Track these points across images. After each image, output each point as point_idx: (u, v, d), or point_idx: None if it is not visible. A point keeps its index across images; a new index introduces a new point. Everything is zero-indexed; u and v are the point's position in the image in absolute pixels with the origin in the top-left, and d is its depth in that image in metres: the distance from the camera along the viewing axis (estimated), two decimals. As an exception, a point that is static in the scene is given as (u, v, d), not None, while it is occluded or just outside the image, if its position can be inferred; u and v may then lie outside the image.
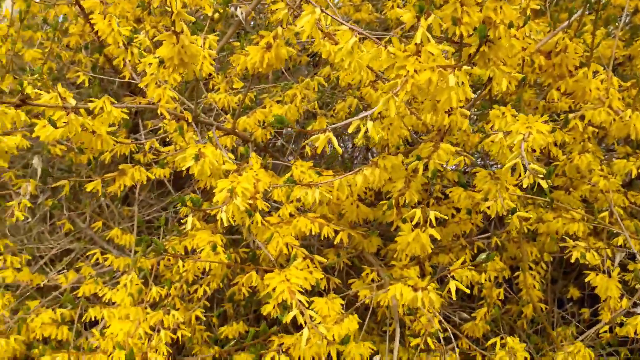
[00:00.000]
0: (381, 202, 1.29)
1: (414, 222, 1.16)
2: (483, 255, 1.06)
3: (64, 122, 1.15)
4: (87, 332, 1.65)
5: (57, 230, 1.94)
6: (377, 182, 1.22)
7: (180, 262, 1.41)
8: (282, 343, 1.22)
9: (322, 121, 1.61)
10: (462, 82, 0.92)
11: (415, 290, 1.12)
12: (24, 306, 1.54)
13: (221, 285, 1.50)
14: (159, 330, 1.36)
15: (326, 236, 1.31)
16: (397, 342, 1.21)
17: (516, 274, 1.50)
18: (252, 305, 1.59)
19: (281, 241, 1.28)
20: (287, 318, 1.05)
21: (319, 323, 1.04)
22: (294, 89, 1.59)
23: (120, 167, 1.51)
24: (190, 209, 1.15)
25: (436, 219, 1.15)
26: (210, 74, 1.31)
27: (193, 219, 1.16)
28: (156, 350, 1.35)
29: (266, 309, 1.20)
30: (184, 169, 1.17)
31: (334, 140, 0.96)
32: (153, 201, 1.97)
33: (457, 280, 1.10)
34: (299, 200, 1.20)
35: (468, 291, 1.15)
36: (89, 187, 1.47)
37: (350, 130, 0.94)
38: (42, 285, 1.73)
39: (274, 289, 1.10)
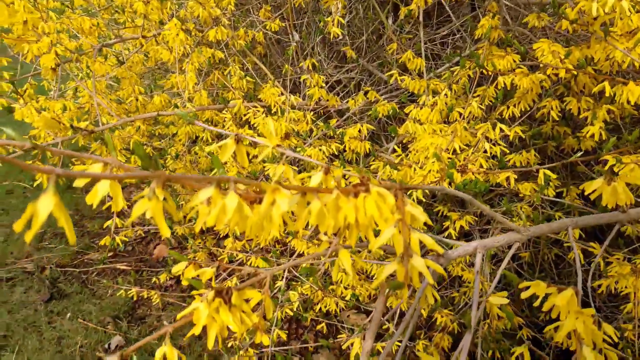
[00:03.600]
0: None
1: None
2: None
3: None
4: (378, 151, 1.74)
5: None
6: None
7: (500, 78, 1.40)
8: None
9: None
10: None
11: None
12: (325, 124, 1.65)
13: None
14: (479, 145, 1.38)
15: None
16: None
17: None
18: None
19: None
20: None
21: None
22: None
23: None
24: None
25: None
26: None
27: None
28: (474, 162, 1.38)
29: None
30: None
31: None
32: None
33: None
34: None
35: None
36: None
37: None
38: (329, 109, 1.84)
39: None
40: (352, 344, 0.81)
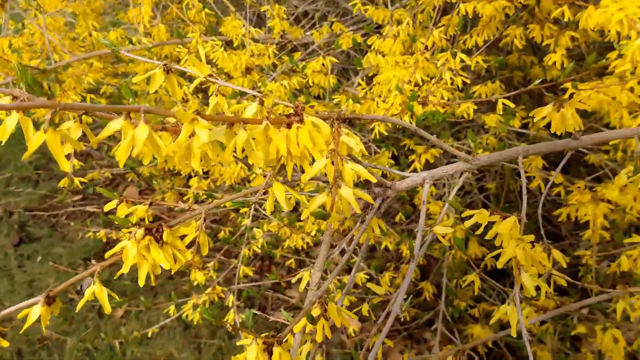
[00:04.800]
0: None
1: None
2: None
3: None
4: (343, 85, 1.71)
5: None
6: None
7: (461, 6, 1.35)
8: None
9: None
10: None
11: None
12: (289, 57, 1.60)
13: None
14: (440, 77, 1.35)
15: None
16: None
17: None
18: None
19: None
20: (630, 49, 0.96)
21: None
22: None
23: None
24: None
25: None
26: None
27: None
28: (434, 95, 1.36)
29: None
30: None
31: None
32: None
33: None
34: None
35: None
36: None
37: None
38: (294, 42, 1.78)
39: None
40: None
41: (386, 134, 1.45)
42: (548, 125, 0.96)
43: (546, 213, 2.06)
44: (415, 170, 1.75)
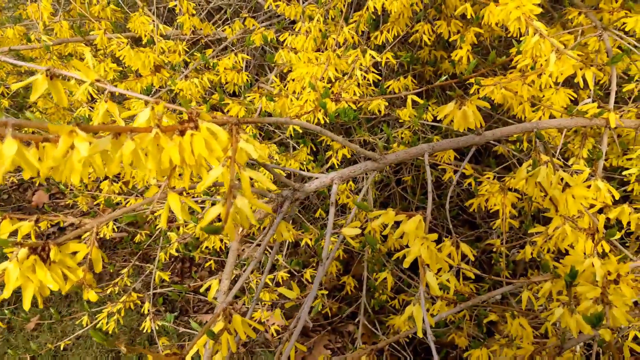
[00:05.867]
0: None
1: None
2: None
3: None
4: (259, 82, 1.68)
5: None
6: None
7: (369, 2, 1.36)
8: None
9: None
10: None
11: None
12: (201, 54, 1.56)
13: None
14: (352, 73, 1.35)
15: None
16: (614, 87, 1.16)
17: None
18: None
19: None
20: (526, 45, 1.00)
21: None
22: None
23: None
24: None
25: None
26: None
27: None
28: (347, 91, 1.36)
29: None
30: None
31: None
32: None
33: None
34: None
35: None
36: None
37: None
38: (206, 38, 1.74)
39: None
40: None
41: (300, 131, 1.44)
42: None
43: (461, 203, 2.13)
44: (332, 166, 1.75)
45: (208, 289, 2.34)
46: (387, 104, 1.38)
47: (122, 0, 2.08)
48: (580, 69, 0.97)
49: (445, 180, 1.73)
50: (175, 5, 1.70)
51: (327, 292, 1.85)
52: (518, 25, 1.02)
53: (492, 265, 1.59)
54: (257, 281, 1.68)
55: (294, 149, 1.87)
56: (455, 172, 1.62)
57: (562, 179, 0.81)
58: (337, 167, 1.72)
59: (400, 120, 1.79)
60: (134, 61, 1.56)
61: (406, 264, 0.68)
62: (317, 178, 0.81)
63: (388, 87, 1.69)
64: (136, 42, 1.85)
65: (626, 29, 1.12)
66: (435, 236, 0.67)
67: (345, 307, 1.98)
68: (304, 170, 1.75)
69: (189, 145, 0.54)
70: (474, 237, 2.11)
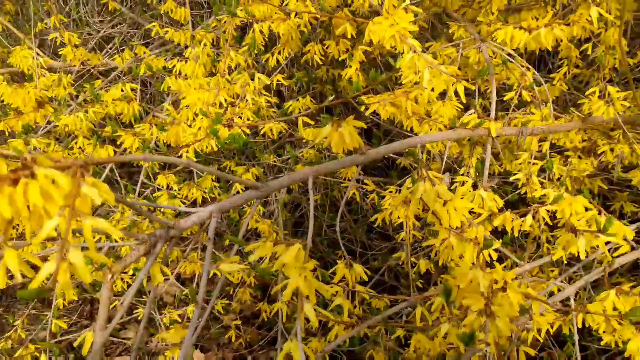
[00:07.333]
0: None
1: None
2: None
3: None
4: (153, 111, 1.63)
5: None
6: None
7: (255, 25, 1.35)
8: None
9: None
10: None
11: (530, 31, 1.09)
12: (89, 85, 1.49)
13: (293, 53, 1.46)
14: (244, 98, 1.33)
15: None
16: (494, 96, 1.20)
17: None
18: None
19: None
20: (402, 63, 1.02)
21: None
22: None
23: None
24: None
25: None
26: None
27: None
28: (240, 116, 1.34)
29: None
30: None
31: None
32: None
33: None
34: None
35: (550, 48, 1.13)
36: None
37: None
38: (96, 69, 1.67)
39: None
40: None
41: (194, 158, 1.40)
42: (361, 133, 0.99)
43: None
44: (238, 192, 1.72)
45: (122, 327, 2.21)
46: (286, 126, 1.37)
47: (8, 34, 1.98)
48: (453, 84, 1.00)
49: (349, 197, 1.74)
50: (55, 38, 1.62)
51: (240, 323, 1.81)
52: (393, 43, 1.04)
53: (407, 276, 1.60)
54: (169, 317, 1.61)
55: (198, 176, 1.82)
56: (358, 189, 1.62)
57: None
58: (241, 191, 1.68)
59: (304, 140, 1.78)
60: (13, 98, 1.46)
61: (286, 297, 0.66)
62: (194, 213, 0.77)
63: (289, 108, 1.68)
64: (23, 77, 1.75)
65: (497, 41, 1.16)
66: (312, 265, 0.65)
67: (263, 333, 1.94)
68: (207, 199, 1.71)
69: (23, 196, 0.49)
70: (387, 248, 2.14)
